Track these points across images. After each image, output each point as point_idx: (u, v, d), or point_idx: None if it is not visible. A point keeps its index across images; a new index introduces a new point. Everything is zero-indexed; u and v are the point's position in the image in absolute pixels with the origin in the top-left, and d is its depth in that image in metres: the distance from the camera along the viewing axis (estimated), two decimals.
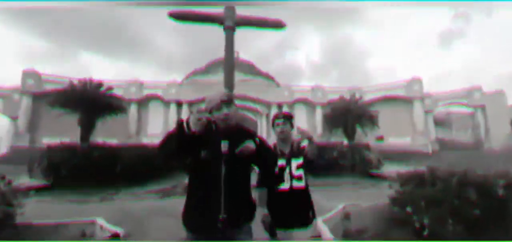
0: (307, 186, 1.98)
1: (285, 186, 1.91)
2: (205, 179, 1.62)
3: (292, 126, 2.10)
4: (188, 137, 1.52)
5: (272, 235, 1.92)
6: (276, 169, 1.92)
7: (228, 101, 1.69)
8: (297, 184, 1.93)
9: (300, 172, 1.95)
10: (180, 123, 1.55)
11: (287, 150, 2.01)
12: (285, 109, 26.37)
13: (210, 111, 1.69)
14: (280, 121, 2.06)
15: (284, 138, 2.04)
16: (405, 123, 25.69)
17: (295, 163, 1.95)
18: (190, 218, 1.65)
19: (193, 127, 1.49)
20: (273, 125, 2.11)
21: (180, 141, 1.55)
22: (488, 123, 25.42)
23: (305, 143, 2.01)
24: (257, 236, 1.84)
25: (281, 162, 1.95)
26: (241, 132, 1.71)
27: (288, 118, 2.10)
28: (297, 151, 2.00)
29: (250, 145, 1.60)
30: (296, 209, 1.90)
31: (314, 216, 1.98)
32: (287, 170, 1.94)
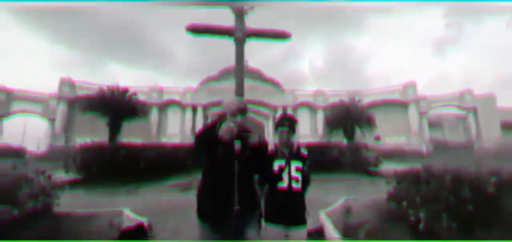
0: (303, 189, 1.93)
1: (283, 185, 1.88)
2: (220, 175, 1.67)
3: (294, 130, 2.03)
4: (215, 138, 1.60)
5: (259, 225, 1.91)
6: (276, 168, 1.90)
7: (243, 110, 1.79)
8: (295, 185, 1.89)
9: (298, 174, 1.91)
10: (212, 127, 1.61)
11: (287, 151, 1.96)
12: (289, 112, 26.26)
13: (226, 116, 1.75)
14: (284, 130, 1.98)
15: (286, 144, 1.98)
16: (401, 124, 25.21)
17: (294, 165, 1.91)
18: (207, 209, 1.68)
19: (224, 135, 1.59)
20: (276, 128, 2.04)
21: (208, 140, 1.63)
22: (479, 124, 24.66)
23: (304, 152, 1.99)
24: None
25: (281, 162, 1.91)
26: (250, 135, 1.83)
27: (292, 124, 2.02)
28: (296, 154, 1.97)
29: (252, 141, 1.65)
30: (292, 208, 1.87)
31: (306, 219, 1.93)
32: (287, 171, 1.90)
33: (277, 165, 1.91)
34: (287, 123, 2.01)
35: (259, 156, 1.83)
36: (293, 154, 1.96)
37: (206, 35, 6.09)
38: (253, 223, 1.73)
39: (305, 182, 1.96)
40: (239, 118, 1.74)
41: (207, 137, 1.64)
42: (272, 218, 1.87)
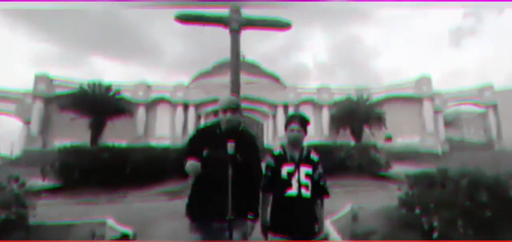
0: (313, 196, 1.91)
1: (293, 192, 1.85)
2: (213, 178, 1.71)
3: (306, 131, 2.02)
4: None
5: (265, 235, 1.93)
6: (284, 174, 1.88)
7: (234, 108, 1.85)
8: (305, 191, 1.86)
9: (308, 180, 1.89)
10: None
11: (296, 156, 1.94)
12: (292, 110, 26.30)
13: (218, 113, 1.89)
14: (295, 127, 1.96)
15: (296, 143, 1.97)
16: (414, 122, 25.27)
17: (304, 170, 1.89)
18: (197, 212, 1.76)
19: (190, 172, 1.75)
20: (286, 126, 2.02)
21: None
22: (499, 122, 24.79)
23: (315, 156, 1.98)
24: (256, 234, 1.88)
25: (290, 167, 1.89)
26: (242, 136, 1.86)
27: (304, 124, 2.01)
28: (306, 158, 1.94)
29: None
30: (301, 218, 1.83)
31: (321, 229, 1.93)
32: (296, 177, 1.87)
33: (285, 169, 1.89)
34: (298, 120, 2.00)
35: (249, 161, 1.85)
36: (303, 157, 1.94)
37: (197, 24, 6.05)
38: (244, 230, 1.76)
39: (319, 190, 1.94)
40: (229, 116, 1.82)
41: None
42: (279, 228, 1.86)
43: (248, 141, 1.90)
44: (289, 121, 2.04)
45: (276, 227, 1.86)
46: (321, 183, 1.96)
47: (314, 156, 1.98)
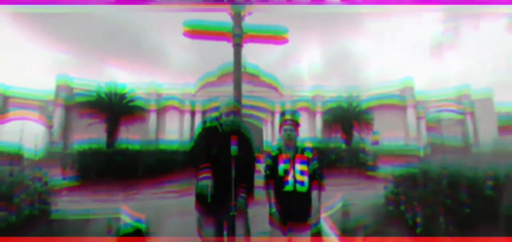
0: (309, 191, 1.93)
1: (289, 188, 1.89)
2: (218, 174, 1.73)
3: (297, 132, 2.07)
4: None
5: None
6: (281, 171, 1.91)
7: (235, 111, 1.92)
8: (300, 187, 1.90)
9: (304, 176, 1.91)
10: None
11: (291, 153, 1.98)
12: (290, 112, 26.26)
13: (221, 116, 1.96)
14: (287, 127, 2.02)
15: (289, 143, 2.01)
16: (399, 126, 25.32)
17: (298, 167, 1.92)
18: (203, 209, 1.81)
19: (200, 192, 1.75)
20: (280, 127, 2.08)
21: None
22: (476, 126, 24.82)
23: (310, 155, 2.00)
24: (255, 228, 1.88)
25: (285, 165, 1.93)
26: (241, 137, 1.93)
27: (294, 124, 2.06)
28: (301, 156, 1.97)
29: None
30: (297, 212, 1.87)
31: (316, 219, 1.94)
32: (291, 174, 1.91)
33: (281, 166, 1.93)
34: (290, 120, 2.05)
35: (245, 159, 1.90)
36: (298, 155, 1.97)
37: (203, 38, 6.10)
38: (246, 226, 1.77)
39: (317, 184, 1.96)
40: (231, 118, 1.88)
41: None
42: (281, 220, 1.89)
43: (247, 140, 1.97)
44: (282, 121, 2.09)
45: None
46: (316, 176, 1.97)
47: (308, 152, 2.00)
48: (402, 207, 3.19)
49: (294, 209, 1.87)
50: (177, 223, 4.09)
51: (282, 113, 26.04)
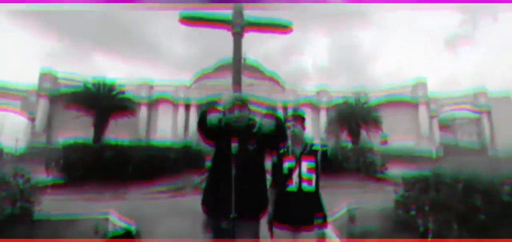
0: (317, 190, 1.94)
1: (293, 186, 1.89)
2: (220, 174, 1.69)
3: (303, 127, 2.07)
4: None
5: (270, 231, 1.95)
6: (286, 169, 1.92)
7: (241, 105, 1.80)
8: (306, 186, 1.89)
9: (310, 175, 1.91)
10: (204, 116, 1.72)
11: (298, 151, 1.98)
12: (290, 111, 26.28)
13: (225, 112, 1.82)
14: (290, 124, 2.03)
15: (295, 138, 2.01)
16: (410, 126, 25.32)
17: (305, 164, 1.91)
18: (206, 208, 1.77)
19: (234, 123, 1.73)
20: (287, 122, 2.08)
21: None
22: (493, 127, 24.84)
23: (318, 148, 2.00)
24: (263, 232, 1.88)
25: (290, 162, 1.93)
26: (250, 133, 1.81)
27: (300, 119, 2.07)
28: (308, 153, 1.97)
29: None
30: (302, 211, 1.86)
31: (325, 222, 1.94)
32: (297, 172, 1.91)
33: (286, 164, 1.93)
34: (295, 116, 2.07)
35: (271, 141, 1.83)
36: (304, 151, 1.97)
37: (201, 25, 6.06)
38: (253, 228, 1.75)
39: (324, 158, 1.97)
40: (237, 113, 1.77)
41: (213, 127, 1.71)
42: (281, 221, 1.89)
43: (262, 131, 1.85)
44: (288, 118, 2.09)
45: (278, 218, 1.91)
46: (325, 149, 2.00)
47: (317, 149, 2.00)
48: (413, 212, 3.20)
49: (298, 210, 1.86)
50: (170, 225, 4.10)
51: (287, 111, 26.02)
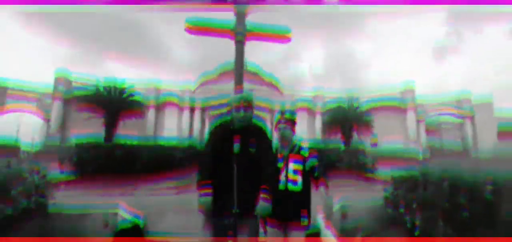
0: (305, 190, 1.90)
1: (281, 187, 1.86)
2: (221, 173, 1.67)
3: (293, 130, 2.04)
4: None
5: (264, 228, 1.93)
6: (275, 170, 1.89)
7: (246, 105, 1.75)
8: (292, 186, 1.86)
9: (296, 175, 1.88)
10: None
11: (285, 152, 1.95)
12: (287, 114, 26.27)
13: (230, 111, 1.79)
14: (281, 125, 2.00)
15: (284, 141, 1.98)
16: (398, 128, 25.38)
17: (292, 166, 1.88)
18: (211, 208, 1.71)
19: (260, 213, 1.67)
20: (276, 126, 2.06)
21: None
22: (476, 132, 24.90)
23: (306, 153, 1.96)
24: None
25: (278, 163, 1.91)
26: (254, 133, 1.77)
27: (290, 123, 2.03)
28: (295, 155, 1.93)
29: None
30: (289, 211, 1.84)
31: (309, 220, 1.91)
32: (284, 173, 1.88)
33: (276, 164, 1.92)
34: (285, 119, 2.03)
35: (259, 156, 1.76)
36: (292, 153, 1.94)
37: (206, 34, 6.08)
38: (252, 226, 1.73)
39: (314, 180, 1.91)
40: (242, 114, 1.73)
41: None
42: (272, 220, 1.88)
43: (260, 134, 1.81)
44: (277, 120, 2.06)
45: (267, 221, 1.89)
46: (315, 173, 1.92)
47: (304, 151, 1.96)
48: (401, 210, 3.20)
49: (285, 209, 1.83)
50: (176, 219, 4.09)
51: (280, 113, 26.05)
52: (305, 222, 1.88)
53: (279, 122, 2.04)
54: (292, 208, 1.85)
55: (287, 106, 26.54)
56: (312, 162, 1.95)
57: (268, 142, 1.83)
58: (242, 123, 1.75)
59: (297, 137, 2.05)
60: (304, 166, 1.90)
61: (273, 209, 1.85)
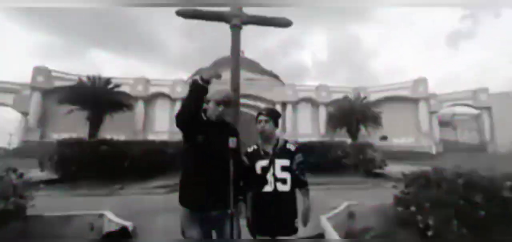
0: (293, 190, 1.83)
1: (268, 188, 1.79)
2: (211, 170, 1.70)
3: (276, 124, 1.94)
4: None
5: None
6: (258, 169, 1.82)
7: (228, 102, 1.81)
8: (281, 187, 1.79)
9: (285, 173, 1.81)
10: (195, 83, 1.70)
11: (270, 149, 1.87)
12: (290, 108, 26.27)
13: (209, 102, 1.84)
14: (262, 118, 1.90)
15: (265, 136, 1.89)
16: (409, 123, 25.43)
17: (279, 163, 1.81)
18: (187, 200, 1.79)
19: (204, 75, 1.70)
20: (256, 121, 1.94)
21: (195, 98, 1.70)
22: (493, 124, 24.99)
23: (291, 146, 1.90)
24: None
25: (264, 162, 1.82)
26: (227, 129, 1.82)
27: (272, 115, 1.93)
28: (281, 151, 1.86)
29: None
30: (280, 214, 1.77)
31: (304, 224, 1.86)
32: (271, 171, 1.80)
33: (259, 165, 1.83)
34: (266, 111, 1.94)
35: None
36: (278, 151, 1.87)
37: (198, 19, 6.00)
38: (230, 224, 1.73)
39: (298, 182, 1.86)
40: (221, 109, 1.78)
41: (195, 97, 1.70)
42: (258, 227, 1.80)
43: (234, 131, 1.84)
44: (257, 114, 1.98)
45: (254, 225, 1.82)
46: (300, 177, 1.87)
47: (290, 147, 1.90)
48: (413, 209, 3.21)
49: (276, 213, 1.77)
50: (166, 221, 4.09)
51: (285, 108, 25.98)
52: (296, 231, 1.82)
53: (260, 113, 1.95)
54: (284, 210, 1.79)
55: (287, 100, 26.47)
56: (299, 157, 1.90)
57: (239, 140, 1.82)
58: (219, 119, 1.80)
59: (294, 136, 2.00)
60: (292, 162, 1.85)
61: (261, 218, 1.79)
